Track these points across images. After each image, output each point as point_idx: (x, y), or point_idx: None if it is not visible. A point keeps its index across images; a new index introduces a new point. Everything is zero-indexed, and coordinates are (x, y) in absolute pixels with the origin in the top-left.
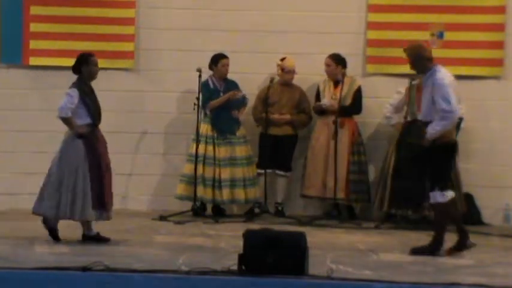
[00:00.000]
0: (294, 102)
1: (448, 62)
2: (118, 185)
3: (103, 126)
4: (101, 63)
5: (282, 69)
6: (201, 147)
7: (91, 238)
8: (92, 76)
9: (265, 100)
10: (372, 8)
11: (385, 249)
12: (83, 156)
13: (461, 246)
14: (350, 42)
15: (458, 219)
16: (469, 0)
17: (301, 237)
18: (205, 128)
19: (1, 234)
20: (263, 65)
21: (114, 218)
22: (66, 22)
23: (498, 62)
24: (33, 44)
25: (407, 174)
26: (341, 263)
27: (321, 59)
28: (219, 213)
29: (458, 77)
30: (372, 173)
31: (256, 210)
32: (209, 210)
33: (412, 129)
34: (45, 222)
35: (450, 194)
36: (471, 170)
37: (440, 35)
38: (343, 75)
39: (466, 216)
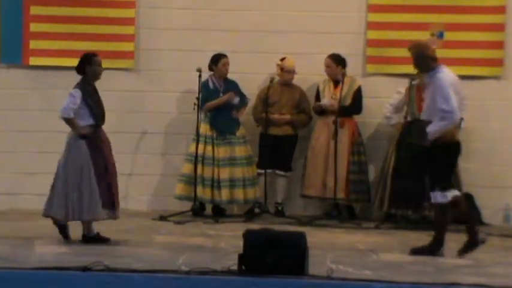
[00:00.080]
0: (294, 102)
1: (448, 62)
2: (118, 185)
3: (103, 126)
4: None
5: (282, 69)
6: (200, 147)
7: (91, 238)
8: (96, 76)
9: (265, 100)
10: (372, 8)
11: (385, 249)
12: (87, 157)
13: (473, 244)
14: (350, 42)
15: (468, 217)
16: (469, 0)
17: (301, 237)
18: (204, 128)
19: (1, 234)
20: (263, 65)
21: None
22: (66, 22)
23: (498, 62)
24: (33, 44)
25: (407, 174)
26: (341, 263)
27: (321, 59)
28: (219, 213)
29: (458, 77)
30: (372, 173)
31: (256, 210)
32: (209, 210)
33: (412, 129)
34: (56, 222)
35: (451, 194)
36: (471, 170)
37: (440, 35)
38: (343, 75)
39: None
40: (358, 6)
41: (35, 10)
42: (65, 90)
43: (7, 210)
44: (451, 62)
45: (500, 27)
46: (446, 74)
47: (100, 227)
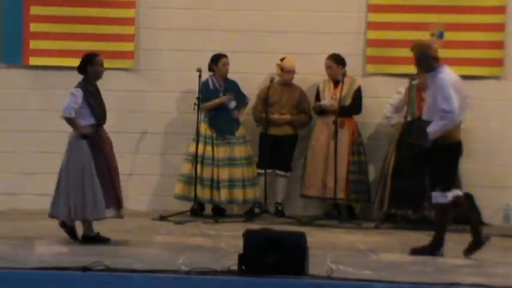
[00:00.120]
0: (294, 102)
1: (448, 62)
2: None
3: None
4: None
5: (282, 69)
6: (200, 147)
7: (91, 238)
8: (98, 76)
9: (265, 100)
10: (372, 8)
11: (385, 249)
12: (88, 156)
13: (477, 244)
14: (350, 42)
15: (474, 217)
16: (469, 0)
17: (301, 237)
18: (204, 128)
19: (1, 234)
20: (263, 65)
21: (111, 218)
22: (66, 22)
23: (498, 62)
24: (33, 44)
25: (407, 174)
26: (341, 263)
27: (321, 59)
28: (219, 213)
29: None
30: (372, 173)
31: (256, 210)
32: (209, 210)
33: (412, 129)
34: (63, 224)
35: (452, 195)
36: (471, 170)
37: (440, 35)
38: (343, 75)
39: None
40: (358, 6)
41: (35, 10)
42: (65, 90)
43: (7, 210)
44: (451, 62)
45: (500, 27)
46: (448, 74)
47: (100, 227)
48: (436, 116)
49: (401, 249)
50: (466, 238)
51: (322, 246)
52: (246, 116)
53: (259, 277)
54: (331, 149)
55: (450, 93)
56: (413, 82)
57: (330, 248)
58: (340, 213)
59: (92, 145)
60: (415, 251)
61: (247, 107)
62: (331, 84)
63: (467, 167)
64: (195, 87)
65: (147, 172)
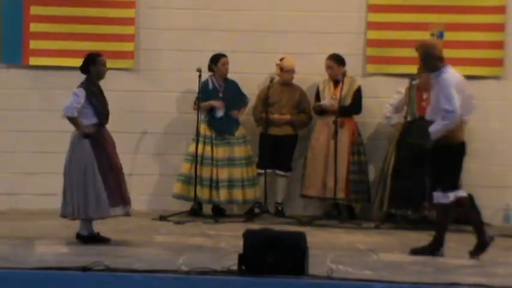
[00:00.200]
0: (294, 102)
1: (448, 62)
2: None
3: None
4: None
5: (281, 69)
6: (199, 147)
7: (91, 238)
8: (100, 76)
9: (265, 100)
10: (372, 8)
11: (385, 249)
12: (90, 156)
13: (483, 245)
14: (350, 42)
15: (475, 218)
16: (469, 0)
17: (301, 237)
18: (204, 128)
19: (1, 234)
20: (263, 65)
21: (114, 218)
22: (66, 22)
23: (498, 62)
24: (33, 44)
25: (407, 174)
26: (341, 263)
27: (321, 59)
28: (219, 213)
29: None
30: (372, 173)
31: (256, 210)
32: (208, 210)
33: (412, 129)
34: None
35: (454, 195)
36: (471, 170)
37: (440, 35)
38: (344, 75)
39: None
40: (358, 6)
41: (35, 10)
42: (65, 90)
43: (7, 210)
44: (451, 62)
45: (500, 27)
46: (451, 74)
47: (100, 227)
48: (439, 116)
49: (401, 249)
50: (467, 238)
51: (322, 246)
52: (246, 116)
53: (259, 277)
54: (331, 149)
55: (452, 93)
56: (413, 82)
57: (330, 248)
58: (340, 213)
59: (95, 144)
60: (415, 251)
61: (247, 107)
62: (331, 84)
63: (467, 167)
64: (195, 87)
65: (147, 172)
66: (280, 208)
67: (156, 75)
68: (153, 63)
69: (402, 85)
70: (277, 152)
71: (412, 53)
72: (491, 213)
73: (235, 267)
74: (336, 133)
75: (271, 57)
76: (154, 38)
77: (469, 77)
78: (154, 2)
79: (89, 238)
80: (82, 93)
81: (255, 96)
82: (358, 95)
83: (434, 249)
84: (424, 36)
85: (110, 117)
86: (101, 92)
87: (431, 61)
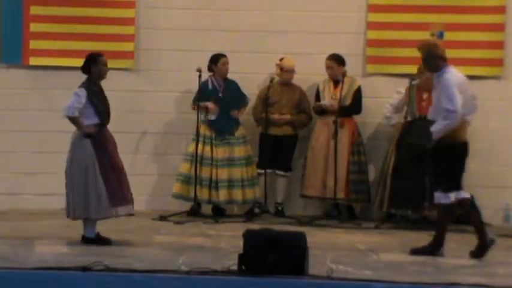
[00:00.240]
0: (294, 102)
1: (448, 62)
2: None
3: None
4: None
5: (281, 69)
6: (199, 147)
7: (91, 239)
8: (101, 76)
9: (265, 100)
10: (372, 8)
11: (385, 249)
12: (92, 156)
13: (484, 247)
14: (350, 42)
15: (476, 219)
16: (469, 0)
17: (301, 237)
18: (203, 128)
19: (1, 234)
20: (263, 65)
21: (114, 218)
22: (66, 22)
23: (498, 62)
24: (33, 44)
25: (407, 174)
26: (341, 263)
27: (321, 59)
28: (219, 213)
29: None
30: (372, 173)
31: (256, 210)
32: (208, 210)
33: (412, 129)
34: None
35: (455, 196)
36: (471, 170)
37: (440, 35)
38: (343, 75)
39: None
40: (358, 6)
41: (35, 10)
42: (65, 90)
43: (7, 210)
44: (451, 62)
45: (500, 27)
46: (453, 74)
47: (100, 227)
48: (440, 116)
49: (401, 249)
50: (467, 238)
51: (322, 246)
52: (246, 116)
53: (259, 277)
54: (331, 149)
55: (454, 93)
56: (413, 82)
57: (330, 248)
58: (340, 213)
59: (96, 144)
60: (415, 251)
61: (247, 107)
62: (331, 84)
63: (468, 167)
64: (195, 87)
65: (147, 172)
66: (280, 208)
67: (156, 75)
68: (153, 63)
69: (402, 85)
70: (277, 152)
71: (412, 53)
72: (491, 213)
73: (235, 267)
74: (336, 133)
75: (271, 57)
76: (154, 38)
77: (469, 77)
78: (154, 2)
79: (97, 240)
80: (83, 93)
81: (255, 96)
82: (358, 95)
83: (434, 249)
84: (424, 36)
85: (110, 117)
86: (102, 92)
87: (433, 61)
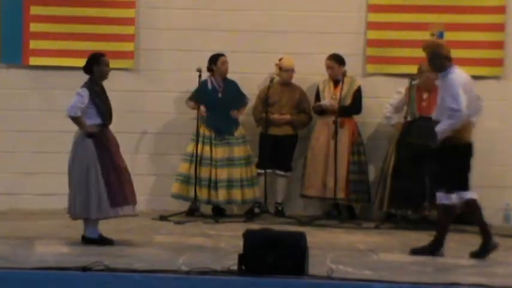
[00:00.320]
0: (294, 102)
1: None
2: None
3: None
4: None
5: (281, 68)
6: (198, 147)
7: (91, 239)
8: (103, 76)
9: (265, 100)
10: (372, 8)
11: (385, 249)
12: (93, 156)
13: (486, 249)
14: (350, 42)
15: (482, 221)
16: (469, 0)
17: (301, 237)
18: (203, 128)
19: (1, 234)
20: (263, 65)
21: (114, 218)
22: (66, 22)
23: (498, 62)
24: (33, 44)
25: (407, 174)
26: (341, 263)
27: (321, 59)
28: (219, 213)
29: None
30: (372, 173)
31: (256, 210)
32: (207, 210)
33: (412, 129)
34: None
35: (457, 197)
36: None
37: (440, 35)
38: (343, 74)
39: (465, 216)
40: (358, 6)
41: (35, 10)
42: (65, 90)
43: (7, 210)
44: None
45: (500, 27)
46: (458, 74)
47: (100, 227)
48: (445, 116)
49: (401, 249)
50: (467, 238)
51: (322, 246)
52: (246, 116)
53: (259, 277)
54: (331, 149)
55: (459, 92)
56: (413, 82)
57: (330, 248)
58: (340, 213)
59: (98, 144)
60: (415, 251)
61: (247, 107)
62: (331, 84)
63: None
64: (195, 87)
65: (147, 172)
66: (280, 208)
67: (156, 75)
68: (153, 63)
69: (402, 85)
70: (277, 152)
71: (412, 53)
72: (491, 213)
73: (235, 267)
74: (336, 133)
75: (271, 57)
76: (154, 38)
77: None
78: (154, 2)
79: (100, 240)
80: (86, 93)
81: (255, 96)
82: (358, 95)
83: (434, 249)
84: (424, 36)
85: (112, 117)
86: (104, 92)
87: (438, 61)
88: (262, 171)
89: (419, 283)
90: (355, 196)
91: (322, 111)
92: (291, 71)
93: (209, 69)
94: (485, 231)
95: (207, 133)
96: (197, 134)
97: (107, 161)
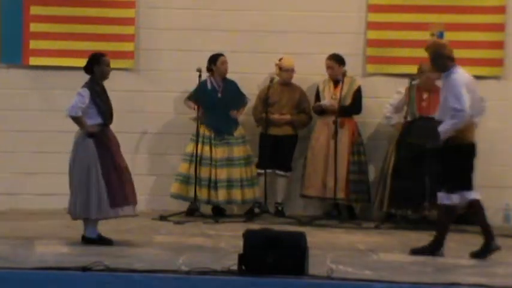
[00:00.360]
0: (294, 102)
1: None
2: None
3: None
4: None
5: (280, 68)
6: (198, 147)
7: (92, 240)
8: (104, 76)
9: (265, 100)
10: (372, 8)
11: (385, 249)
12: (94, 156)
13: (488, 250)
14: (350, 42)
15: (483, 221)
16: (469, 0)
17: (301, 237)
18: (203, 128)
19: (1, 234)
20: (263, 65)
21: (114, 218)
22: (66, 22)
23: (498, 62)
24: (33, 44)
25: (407, 174)
26: (341, 263)
27: (321, 59)
28: (219, 213)
29: None
30: (372, 173)
31: (256, 210)
32: (206, 210)
33: (412, 129)
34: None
35: (466, 196)
36: None
37: (440, 35)
38: (343, 74)
39: (465, 216)
40: (358, 6)
41: (35, 10)
42: (65, 90)
43: (7, 210)
44: None
45: (500, 27)
46: (461, 74)
47: (100, 227)
48: (447, 116)
49: (401, 249)
50: (467, 238)
51: (322, 246)
52: (246, 116)
53: (259, 277)
54: (331, 149)
55: (462, 92)
56: (413, 82)
57: (330, 248)
58: (340, 213)
59: (99, 144)
60: (415, 251)
61: (247, 107)
62: (331, 84)
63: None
64: (195, 87)
65: (147, 172)
66: (280, 208)
67: (156, 75)
68: (153, 63)
69: (402, 85)
70: (277, 152)
71: (412, 53)
72: (491, 213)
73: (235, 267)
74: (336, 133)
75: (271, 57)
76: (154, 38)
77: None
78: (154, 2)
79: (99, 240)
80: (86, 93)
81: (255, 96)
82: (358, 95)
83: (434, 249)
84: (424, 36)
85: (113, 117)
86: (104, 92)
87: (441, 61)
88: (262, 171)
89: (419, 283)
90: (355, 196)
91: (322, 111)
92: (290, 71)
93: (208, 69)
94: (487, 232)
95: (206, 133)
96: (197, 134)
97: (108, 160)
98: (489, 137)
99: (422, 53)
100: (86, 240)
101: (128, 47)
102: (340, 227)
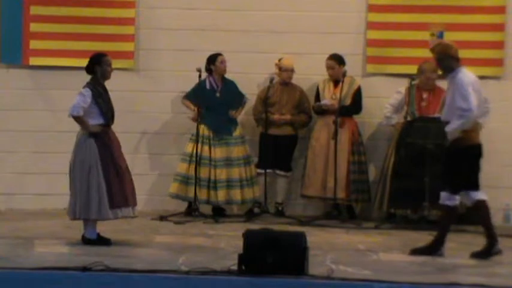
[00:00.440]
0: (294, 102)
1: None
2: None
3: None
4: None
5: (280, 68)
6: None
7: (92, 241)
8: (106, 76)
9: (265, 100)
10: (372, 8)
11: (385, 249)
12: (95, 156)
13: (489, 252)
14: (350, 42)
15: (488, 222)
16: (469, 0)
17: (301, 237)
18: (202, 128)
19: (1, 234)
20: (263, 65)
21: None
22: (66, 22)
23: (498, 62)
24: (33, 44)
25: (407, 174)
26: (341, 263)
27: (321, 59)
28: (219, 213)
29: None
30: (372, 173)
31: (256, 210)
32: (205, 209)
33: (411, 129)
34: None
35: (472, 197)
36: None
37: (440, 35)
38: (344, 74)
39: (465, 216)
40: (358, 6)
41: (35, 10)
42: (65, 90)
43: (7, 210)
44: None
45: (500, 27)
46: (467, 75)
47: (101, 227)
48: (454, 116)
49: (401, 249)
50: (467, 238)
51: (322, 246)
52: (246, 116)
53: (259, 277)
54: (331, 149)
55: (469, 92)
56: (413, 82)
57: (330, 248)
58: (340, 213)
59: (100, 145)
60: (415, 251)
61: (247, 107)
62: (331, 84)
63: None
64: (193, 86)
65: (147, 172)
66: (280, 208)
67: (156, 75)
68: (153, 63)
69: (402, 85)
70: (277, 152)
71: (412, 53)
72: (492, 213)
73: (235, 267)
74: (336, 133)
75: (271, 57)
76: (154, 38)
77: None
78: (154, 2)
79: (98, 240)
80: (88, 93)
81: (255, 96)
82: (358, 95)
83: (434, 249)
84: (424, 36)
85: (114, 117)
86: (106, 92)
87: (447, 61)
88: (262, 171)
89: (419, 283)
90: (355, 196)
91: (322, 111)
92: (290, 71)
93: (207, 70)
94: (491, 234)
95: (205, 133)
96: (197, 134)
97: (109, 161)
98: (489, 137)
99: (422, 53)
100: (86, 241)
101: (127, 47)
102: (340, 227)
